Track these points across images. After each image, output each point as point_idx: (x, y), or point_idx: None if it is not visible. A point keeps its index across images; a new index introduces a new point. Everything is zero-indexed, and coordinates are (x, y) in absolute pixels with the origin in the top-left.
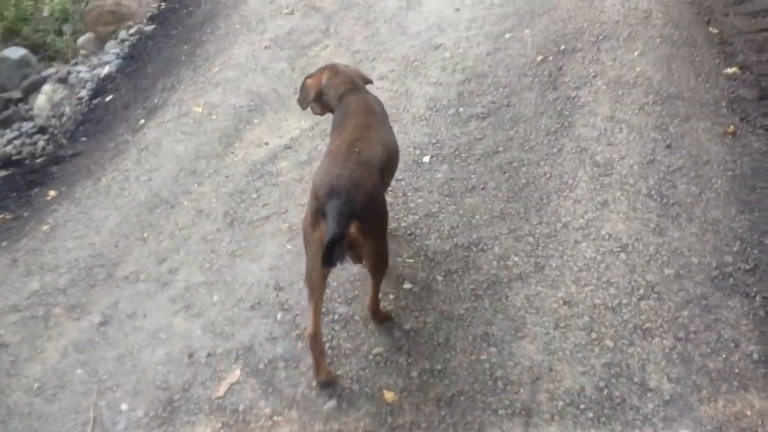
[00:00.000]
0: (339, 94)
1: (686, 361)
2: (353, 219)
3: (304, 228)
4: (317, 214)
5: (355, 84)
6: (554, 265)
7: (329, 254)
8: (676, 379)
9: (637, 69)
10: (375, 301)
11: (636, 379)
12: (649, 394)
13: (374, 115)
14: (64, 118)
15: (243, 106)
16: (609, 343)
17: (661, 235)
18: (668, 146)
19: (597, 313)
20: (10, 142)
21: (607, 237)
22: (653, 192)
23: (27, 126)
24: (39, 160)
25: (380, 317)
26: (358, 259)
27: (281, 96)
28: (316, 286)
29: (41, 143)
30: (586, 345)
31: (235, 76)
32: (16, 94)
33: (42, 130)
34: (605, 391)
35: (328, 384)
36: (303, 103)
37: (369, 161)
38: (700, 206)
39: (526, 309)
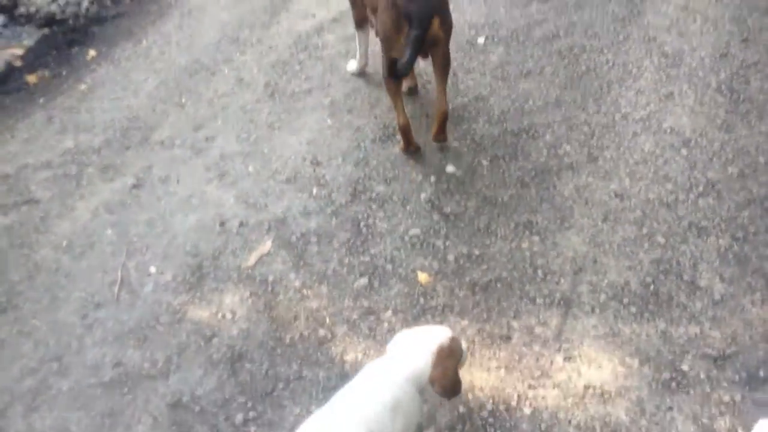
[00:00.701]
0: None
1: (742, 262)
2: (434, 16)
3: (384, 35)
4: (399, 19)
5: None
6: (609, 156)
7: (414, 50)
8: (729, 279)
9: None
10: (444, 102)
11: (686, 277)
12: (698, 293)
13: None
14: None
15: None
16: (660, 239)
17: (728, 131)
18: (744, 40)
19: (650, 208)
20: (54, 1)
21: (668, 131)
22: (723, 87)
23: None
24: (81, 21)
25: (442, 132)
26: (425, 55)
27: None
28: (399, 84)
29: (85, 4)
30: (636, 239)
31: None
32: None
33: None
34: (651, 287)
35: (417, 150)
36: None
37: None
38: None
39: (574, 199)
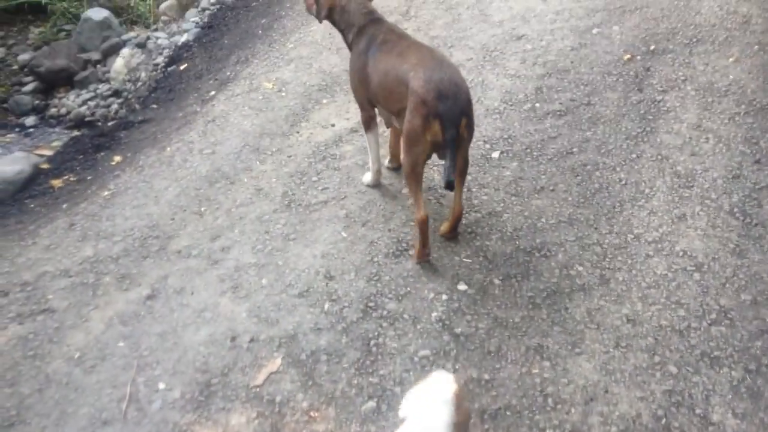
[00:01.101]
0: (363, 15)
1: (755, 396)
2: (462, 117)
3: (411, 132)
4: (428, 117)
5: (376, 12)
6: (621, 279)
7: (452, 150)
8: (741, 414)
9: (731, 76)
10: (460, 203)
11: (698, 411)
12: (710, 429)
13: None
14: (139, 83)
15: (314, 85)
16: (672, 368)
17: (741, 257)
18: (757, 161)
19: (662, 335)
20: (85, 102)
21: (681, 254)
22: (736, 210)
23: (103, 88)
24: (110, 124)
25: (453, 231)
26: (441, 156)
27: None
28: (420, 179)
29: (114, 106)
30: (648, 368)
31: (309, 54)
32: (96, 56)
33: (117, 93)
34: (663, 421)
35: (428, 258)
36: (317, 14)
37: (454, 64)
38: None
39: (586, 323)
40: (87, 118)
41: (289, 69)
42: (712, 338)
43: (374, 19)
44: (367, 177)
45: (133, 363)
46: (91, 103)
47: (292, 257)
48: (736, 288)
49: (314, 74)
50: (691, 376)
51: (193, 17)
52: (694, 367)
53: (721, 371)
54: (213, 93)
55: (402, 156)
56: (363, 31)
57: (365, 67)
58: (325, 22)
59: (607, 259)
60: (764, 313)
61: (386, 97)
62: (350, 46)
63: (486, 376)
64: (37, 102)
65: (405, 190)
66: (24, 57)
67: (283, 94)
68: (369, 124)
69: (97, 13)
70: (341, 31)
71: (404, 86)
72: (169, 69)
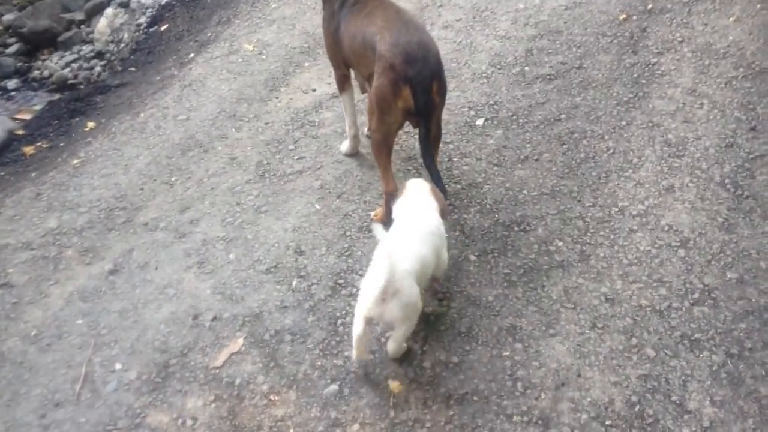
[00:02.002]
0: None
1: (735, 383)
2: (433, 81)
3: (380, 100)
4: (397, 82)
5: None
6: (602, 255)
7: (426, 115)
8: (720, 402)
9: (730, 37)
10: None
11: (674, 398)
12: (686, 417)
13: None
14: (122, 44)
15: (296, 47)
16: (650, 351)
17: (729, 231)
18: (752, 129)
19: (642, 315)
20: (68, 65)
21: (666, 228)
22: (727, 181)
23: (86, 50)
24: (90, 87)
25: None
26: (416, 124)
27: None
28: (390, 150)
29: (98, 69)
30: (624, 351)
31: (292, 14)
32: (79, 16)
33: (100, 55)
34: (637, 408)
35: None
36: None
37: (423, 25)
38: None
39: (562, 302)
40: (70, 81)
41: (271, 30)
42: (693, 319)
43: None
44: (345, 145)
45: (90, 342)
46: (74, 65)
47: (262, 231)
48: (722, 265)
49: (297, 36)
50: (669, 360)
51: None
52: (672, 351)
53: (701, 355)
54: (192, 55)
55: (372, 126)
56: None
57: (338, 30)
58: None
59: (589, 234)
60: (750, 292)
61: (357, 62)
62: (324, 3)
63: (454, 359)
64: (20, 64)
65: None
66: (8, 17)
67: (264, 56)
68: (342, 84)
69: None
70: None
71: (372, 50)
72: (150, 30)
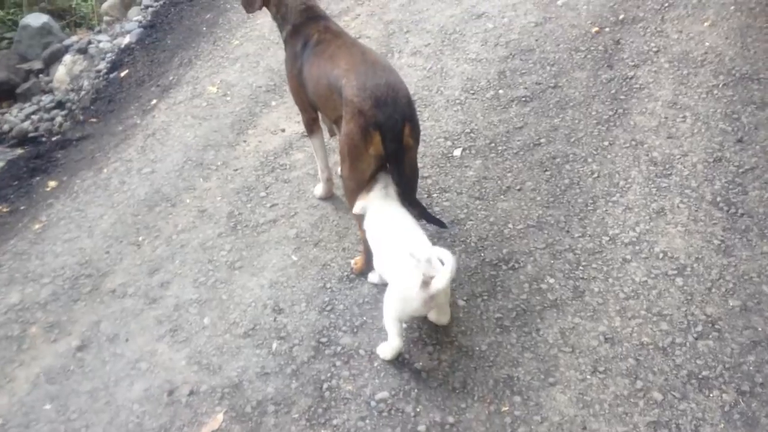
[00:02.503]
0: (300, 13)
1: (749, 424)
2: (405, 123)
3: (351, 147)
4: (367, 129)
5: (317, 8)
6: (596, 290)
7: (397, 160)
8: None
9: (707, 43)
10: None
11: None
12: None
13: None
14: (82, 92)
15: (261, 86)
16: (657, 395)
17: (727, 254)
18: (739, 140)
19: (644, 354)
20: (28, 117)
21: (661, 255)
22: (719, 199)
23: (46, 100)
24: (53, 139)
25: None
26: (389, 170)
27: None
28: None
29: (59, 119)
30: (629, 397)
31: (256, 51)
32: (37, 65)
33: (60, 105)
34: None
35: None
36: (248, 6)
37: (389, 64)
38: None
39: (559, 346)
40: (30, 134)
41: (234, 69)
42: (699, 355)
43: (312, 17)
44: (318, 189)
45: (61, 429)
46: (35, 117)
47: (237, 290)
48: (723, 293)
49: (261, 74)
50: (678, 402)
51: (135, 16)
52: (680, 392)
53: (711, 395)
54: (154, 102)
55: (344, 173)
56: (298, 30)
57: (301, 72)
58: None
59: (581, 268)
60: (756, 321)
61: (323, 105)
62: (285, 45)
63: (450, 419)
64: None
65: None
66: None
67: (228, 98)
68: (311, 127)
69: (36, 19)
70: (278, 25)
71: (338, 94)
72: (111, 76)
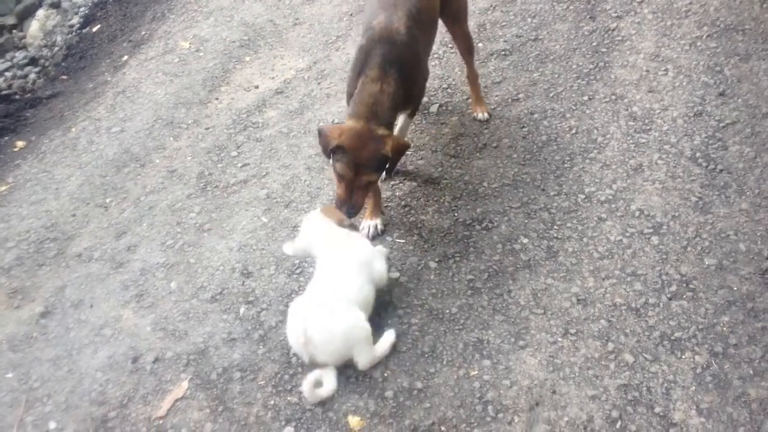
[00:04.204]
0: None
1: (721, 386)
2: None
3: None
4: None
5: None
6: (570, 250)
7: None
8: (707, 410)
9: None
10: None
11: (657, 409)
12: (672, 431)
13: None
14: (56, 48)
15: (235, 40)
16: (628, 357)
17: (704, 212)
18: (721, 94)
19: (617, 315)
20: (1, 74)
21: (637, 213)
22: (698, 155)
23: (19, 56)
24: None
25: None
26: None
27: (279, 28)
28: None
29: (32, 76)
30: (600, 359)
31: (230, 4)
32: (11, 20)
33: (33, 61)
34: (618, 424)
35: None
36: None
37: None
38: (755, 174)
39: (531, 308)
40: (4, 92)
41: (207, 23)
42: (672, 316)
43: None
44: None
45: (22, 398)
46: (8, 74)
47: (205, 252)
48: (699, 251)
49: (235, 28)
50: (650, 365)
51: None
52: (652, 354)
53: (683, 357)
54: (125, 58)
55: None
56: None
57: None
58: None
59: (555, 227)
60: (731, 279)
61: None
62: None
63: (419, 384)
64: None
65: None
66: None
67: (201, 53)
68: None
69: None
70: None
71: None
72: (83, 31)
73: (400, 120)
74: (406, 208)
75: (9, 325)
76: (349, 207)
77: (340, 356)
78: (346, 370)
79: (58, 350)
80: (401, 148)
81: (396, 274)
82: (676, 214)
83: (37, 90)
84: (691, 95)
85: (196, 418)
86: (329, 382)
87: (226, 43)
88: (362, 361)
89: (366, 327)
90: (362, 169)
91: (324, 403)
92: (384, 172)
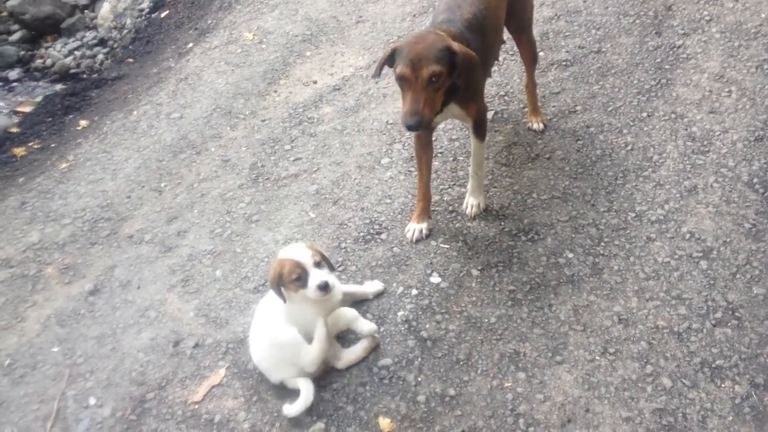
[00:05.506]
0: None
1: (760, 419)
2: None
3: None
4: None
5: None
6: (616, 268)
7: None
8: None
9: (763, 15)
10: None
11: None
12: None
13: None
14: (125, 31)
15: (297, 35)
16: (666, 381)
17: (756, 239)
18: None
19: (658, 338)
20: (71, 53)
21: (687, 236)
22: (756, 180)
23: (89, 36)
24: (93, 77)
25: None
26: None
27: (341, 24)
28: None
29: (100, 56)
30: (637, 381)
31: None
32: (83, 0)
33: (102, 42)
34: None
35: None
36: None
37: None
38: None
39: (570, 324)
40: (72, 70)
41: (272, 16)
42: (715, 343)
43: None
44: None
45: (65, 372)
46: (77, 53)
47: (252, 243)
48: (748, 279)
49: (299, 22)
50: (687, 391)
51: None
52: (691, 380)
53: (723, 386)
54: (190, 45)
55: None
56: None
57: None
58: None
59: (602, 244)
60: None
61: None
62: None
63: (451, 391)
64: (22, 53)
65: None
66: (12, 3)
67: (264, 45)
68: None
69: None
70: None
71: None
72: (152, 16)
73: (472, 145)
74: (453, 214)
75: (59, 300)
76: (416, 117)
77: (284, 369)
78: (380, 371)
79: (104, 328)
80: (468, 55)
81: (437, 279)
82: (728, 239)
83: (104, 71)
84: (753, 119)
85: (230, 406)
86: (304, 395)
87: (288, 37)
88: (308, 365)
89: (289, 335)
90: (421, 61)
91: (356, 403)
92: (457, 86)
